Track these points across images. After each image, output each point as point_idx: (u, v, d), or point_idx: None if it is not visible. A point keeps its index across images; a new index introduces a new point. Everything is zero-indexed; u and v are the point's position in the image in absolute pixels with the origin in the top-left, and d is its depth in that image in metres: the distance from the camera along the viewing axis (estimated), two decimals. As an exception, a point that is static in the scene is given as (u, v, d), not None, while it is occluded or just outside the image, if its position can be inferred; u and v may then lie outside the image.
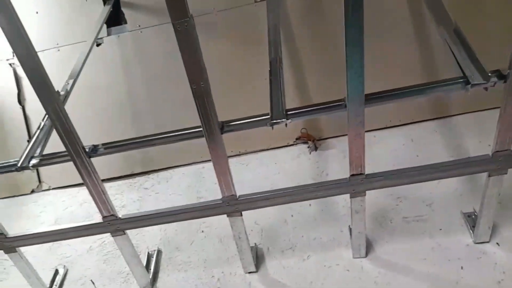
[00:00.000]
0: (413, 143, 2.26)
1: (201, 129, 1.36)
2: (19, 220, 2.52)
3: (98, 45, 2.37)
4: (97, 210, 1.60)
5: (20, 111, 2.56)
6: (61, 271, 2.10)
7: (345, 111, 1.31)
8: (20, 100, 2.55)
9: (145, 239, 2.15)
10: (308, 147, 2.41)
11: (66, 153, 1.43)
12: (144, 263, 1.97)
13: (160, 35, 2.35)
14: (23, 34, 1.16)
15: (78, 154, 1.42)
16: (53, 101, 1.30)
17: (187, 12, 1.09)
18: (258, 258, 1.90)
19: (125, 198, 2.46)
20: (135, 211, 2.11)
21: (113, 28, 2.40)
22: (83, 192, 2.49)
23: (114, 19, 2.38)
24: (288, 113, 1.37)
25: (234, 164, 2.41)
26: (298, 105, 1.42)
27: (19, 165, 1.50)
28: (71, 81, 1.84)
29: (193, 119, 1.40)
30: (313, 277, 1.76)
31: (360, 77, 1.21)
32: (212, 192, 2.20)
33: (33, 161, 1.52)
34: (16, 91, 2.54)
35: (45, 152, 1.57)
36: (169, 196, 2.40)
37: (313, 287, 1.72)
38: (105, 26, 2.35)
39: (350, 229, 1.77)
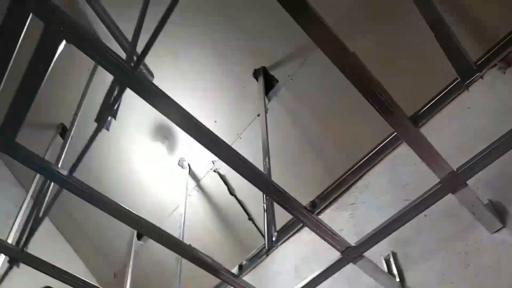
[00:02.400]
0: None
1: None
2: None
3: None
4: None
5: (233, 199, 3.00)
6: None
7: None
8: (230, 191, 3.01)
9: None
10: None
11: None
12: (385, 269, 1.93)
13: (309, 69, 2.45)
14: (220, 141, 1.38)
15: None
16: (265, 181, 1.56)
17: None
18: (499, 213, 1.68)
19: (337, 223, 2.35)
20: (352, 231, 2.12)
21: (270, 93, 2.59)
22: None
23: (269, 86, 2.60)
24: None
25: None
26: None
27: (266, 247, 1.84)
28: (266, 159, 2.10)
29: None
30: None
31: None
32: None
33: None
34: (224, 186, 2.99)
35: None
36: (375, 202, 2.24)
37: None
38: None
39: None
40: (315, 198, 2.53)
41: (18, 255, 1.88)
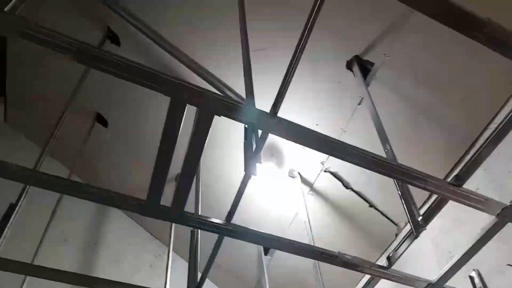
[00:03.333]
0: None
1: None
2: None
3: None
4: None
5: (349, 192, 3.16)
6: None
7: None
8: (345, 185, 3.16)
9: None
10: None
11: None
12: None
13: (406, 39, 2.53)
14: (331, 139, 1.47)
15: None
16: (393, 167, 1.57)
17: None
18: None
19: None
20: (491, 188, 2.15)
21: (368, 78, 2.63)
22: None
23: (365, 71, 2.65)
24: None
25: None
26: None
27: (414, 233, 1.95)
28: (387, 145, 2.15)
29: None
30: None
31: None
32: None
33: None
34: (338, 183, 3.15)
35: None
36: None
37: None
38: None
39: None
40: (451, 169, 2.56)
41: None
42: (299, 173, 3.27)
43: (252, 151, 1.59)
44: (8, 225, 1.80)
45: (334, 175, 3.14)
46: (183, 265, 3.34)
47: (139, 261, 4.01)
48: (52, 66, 3.41)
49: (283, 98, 1.55)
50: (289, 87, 1.56)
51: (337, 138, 1.51)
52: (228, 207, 1.78)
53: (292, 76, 1.54)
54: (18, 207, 1.88)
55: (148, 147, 3.68)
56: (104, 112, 3.63)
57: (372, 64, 2.61)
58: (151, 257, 4.12)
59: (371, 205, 3.15)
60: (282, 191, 3.38)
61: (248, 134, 1.63)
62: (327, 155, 3.04)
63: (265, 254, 3.81)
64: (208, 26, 2.82)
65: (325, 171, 3.15)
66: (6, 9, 1.17)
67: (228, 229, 1.76)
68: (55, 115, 2.80)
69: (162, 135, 1.40)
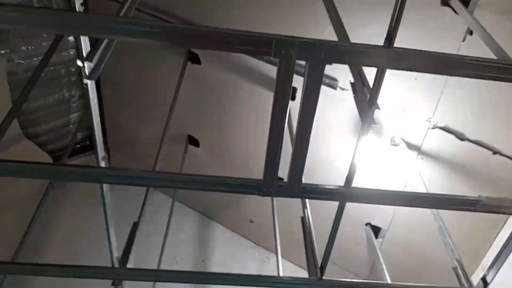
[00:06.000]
0: None
1: None
2: None
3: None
4: None
5: (465, 144, 2.81)
6: None
7: None
8: (459, 137, 2.80)
9: None
10: None
11: None
12: None
13: None
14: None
15: None
16: None
17: None
18: None
19: None
20: None
21: (470, 6, 2.30)
22: None
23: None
24: None
25: None
26: None
27: None
28: None
29: None
30: None
31: None
32: None
33: None
34: (451, 137, 2.81)
35: None
36: None
37: None
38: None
39: None
40: None
41: None
42: (402, 139, 2.98)
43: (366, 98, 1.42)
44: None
45: (444, 129, 2.81)
46: (289, 267, 3.64)
47: (247, 270, 4.01)
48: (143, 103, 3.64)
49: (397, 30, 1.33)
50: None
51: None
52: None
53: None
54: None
55: (236, 158, 3.76)
56: (195, 132, 3.76)
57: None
58: (258, 264, 4.14)
59: (495, 152, 2.77)
60: (386, 163, 3.10)
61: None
62: (432, 110, 2.74)
63: (376, 237, 3.56)
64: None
65: (433, 128, 2.84)
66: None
67: (351, 195, 1.60)
68: (152, 149, 2.86)
69: (274, 98, 1.25)
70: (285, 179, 1.47)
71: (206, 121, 3.78)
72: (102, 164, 1.54)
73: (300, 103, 1.29)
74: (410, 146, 2.97)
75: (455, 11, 2.29)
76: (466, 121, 2.74)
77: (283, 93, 1.25)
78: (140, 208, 2.33)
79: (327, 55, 1.18)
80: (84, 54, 1.36)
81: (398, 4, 1.33)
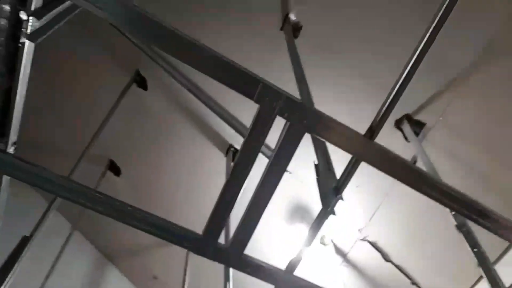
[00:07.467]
0: None
1: None
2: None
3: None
4: None
5: (389, 266, 2.83)
6: None
7: None
8: (384, 257, 2.82)
9: None
10: None
11: None
12: None
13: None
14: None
15: None
16: None
17: None
18: None
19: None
20: None
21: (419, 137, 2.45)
22: None
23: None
24: None
25: None
26: None
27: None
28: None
29: None
30: None
31: None
32: None
33: None
34: (376, 254, 2.83)
35: None
36: None
37: None
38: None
39: None
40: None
41: None
42: (332, 241, 2.94)
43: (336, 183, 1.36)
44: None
45: (373, 245, 2.81)
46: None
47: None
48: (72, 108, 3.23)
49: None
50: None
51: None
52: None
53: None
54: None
55: (157, 201, 3.43)
56: (118, 160, 3.38)
57: (423, 124, 2.43)
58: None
59: (413, 283, 2.79)
60: (311, 260, 3.02)
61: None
62: (366, 222, 2.76)
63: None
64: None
65: (362, 240, 2.83)
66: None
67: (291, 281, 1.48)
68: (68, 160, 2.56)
69: (243, 144, 1.14)
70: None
71: (134, 153, 3.34)
72: (11, 150, 1.24)
73: (265, 168, 1.20)
74: (338, 250, 2.93)
75: (406, 138, 2.41)
76: (394, 243, 2.77)
77: (252, 149, 1.14)
78: (36, 223, 1.98)
79: (311, 122, 1.09)
80: (33, 7, 1.04)
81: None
